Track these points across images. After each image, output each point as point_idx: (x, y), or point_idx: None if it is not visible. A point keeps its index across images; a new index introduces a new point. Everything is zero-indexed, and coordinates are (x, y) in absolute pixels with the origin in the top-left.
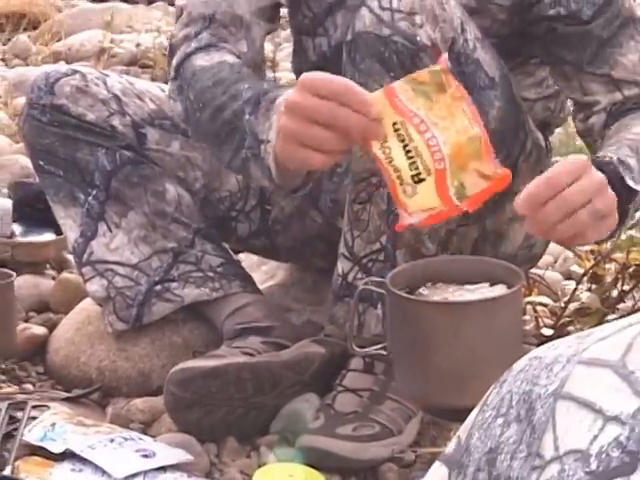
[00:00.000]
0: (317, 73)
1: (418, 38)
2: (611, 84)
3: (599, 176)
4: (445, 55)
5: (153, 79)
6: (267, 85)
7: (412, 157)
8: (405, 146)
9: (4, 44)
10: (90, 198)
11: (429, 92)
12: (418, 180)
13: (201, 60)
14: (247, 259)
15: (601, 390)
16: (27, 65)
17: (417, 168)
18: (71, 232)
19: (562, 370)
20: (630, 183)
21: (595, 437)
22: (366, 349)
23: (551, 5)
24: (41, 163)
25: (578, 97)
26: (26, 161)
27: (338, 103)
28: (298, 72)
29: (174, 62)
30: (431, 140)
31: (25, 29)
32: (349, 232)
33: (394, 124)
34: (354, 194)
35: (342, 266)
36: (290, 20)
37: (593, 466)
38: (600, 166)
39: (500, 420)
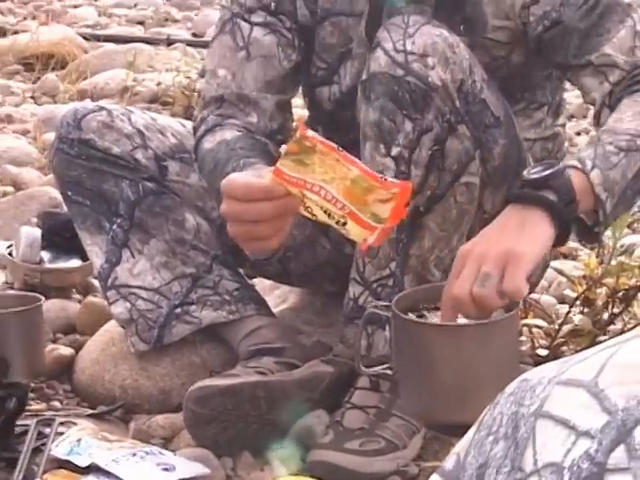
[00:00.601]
0: (227, 182)
1: (430, 79)
2: (597, 73)
3: (479, 247)
4: (302, 123)
5: (173, 115)
6: (234, 170)
7: (325, 211)
8: (316, 206)
9: (34, 82)
10: (115, 226)
11: (303, 159)
12: (343, 223)
13: (207, 143)
14: (261, 284)
15: (574, 408)
16: (55, 102)
17: (334, 217)
18: (97, 258)
19: (543, 391)
20: (535, 175)
21: (568, 451)
22: (373, 368)
23: (537, 23)
24: (69, 194)
25: (587, 99)
26: (54, 192)
27: (250, 200)
28: (316, 126)
29: (193, 145)
30: (327, 195)
31: (53, 68)
32: (360, 258)
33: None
34: None
35: (353, 290)
36: (302, 78)
37: (566, 478)
38: (510, 197)
39: (491, 438)
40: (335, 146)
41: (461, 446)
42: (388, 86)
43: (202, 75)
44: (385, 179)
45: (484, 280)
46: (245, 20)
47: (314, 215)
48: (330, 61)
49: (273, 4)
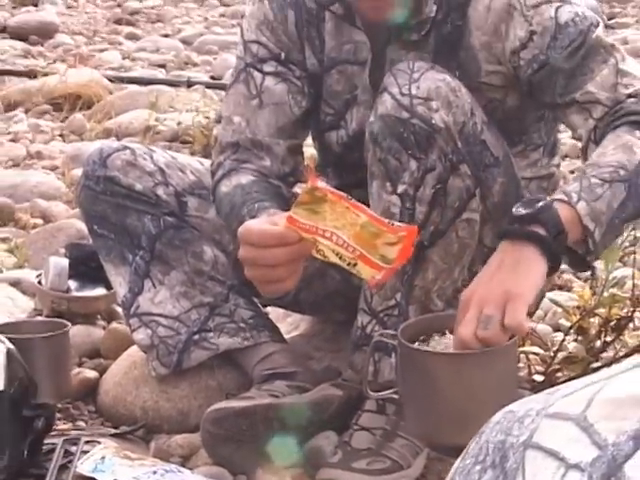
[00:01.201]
0: (244, 229)
1: (433, 121)
2: (582, 110)
3: (477, 294)
4: (312, 174)
5: (192, 153)
6: (249, 213)
7: (337, 254)
8: (328, 249)
9: (62, 121)
10: (137, 258)
11: (315, 208)
12: (354, 265)
13: (224, 187)
14: (274, 312)
15: (564, 441)
16: (82, 140)
17: (345, 260)
18: (120, 288)
19: (532, 422)
20: (522, 210)
21: None
22: (379, 393)
23: (527, 66)
24: (95, 227)
25: (574, 135)
26: (81, 225)
27: (266, 246)
28: (325, 168)
29: (211, 188)
30: (338, 240)
31: (81, 108)
32: (368, 290)
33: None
34: None
35: (361, 319)
36: (312, 123)
37: None
38: (502, 234)
39: (478, 467)
40: (344, 195)
41: (449, 476)
42: (394, 128)
43: (218, 121)
44: (392, 223)
45: (487, 323)
46: (258, 70)
47: (326, 257)
48: (337, 107)
49: (283, 54)
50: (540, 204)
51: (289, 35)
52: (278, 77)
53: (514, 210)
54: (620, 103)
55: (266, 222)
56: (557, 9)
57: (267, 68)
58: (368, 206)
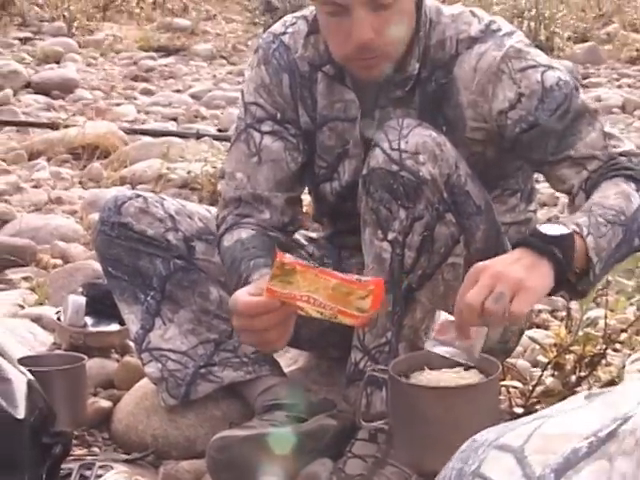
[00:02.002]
0: (232, 301)
1: (421, 173)
2: (576, 164)
3: (495, 267)
4: (278, 253)
5: (200, 199)
6: (245, 271)
7: (318, 312)
8: (310, 309)
9: (81, 170)
10: (149, 298)
11: (288, 278)
12: (335, 317)
13: (226, 241)
14: None
15: (503, 471)
16: (99, 187)
17: (326, 315)
18: (133, 325)
19: (483, 452)
20: (551, 231)
21: None
22: (371, 423)
23: (514, 126)
24: (110, 269)
25: (561, 187)
26: (97, 265)
27: (254, 315)
28: (321, 217)
29: (216, 241)
30: (316, 302)
31: (98, 158)
32: (360, 328)
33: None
34: None
35: (354, 355)
36: (307, 177)
37: None
38: (522, 242)
39: None
40: (311, 264)
41: None
42: (385, 180)
43: (222, 176)
44: (359, 280)
45: (498, 298)
46: (256, 130)
47: (309, 314)
48: (330, 161)
49: (279, 114)
50: (564, 232)
51: (284, 96)
52: (275, 136)
53: (539, 227)
54: (614, 159)
55: (252, 290)
56: (542, 73)
57: (264, 128)
58: (360, 251)
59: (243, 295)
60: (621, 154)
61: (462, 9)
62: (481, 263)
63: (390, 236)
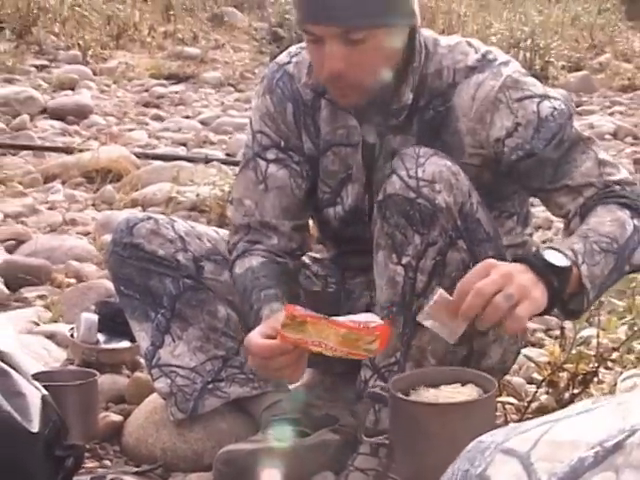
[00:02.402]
0: (247, 344)
1: (437, 201)
2: (572, 192)
3: (506, 268)
4: (288, 306)
5: (209, 221)
6: (256, 302)
7: (330, 353)
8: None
9: (94, 192)
10: (159, 316)
11: (300, 328)
12: (346, 356)
13: (238, 268)
14: None
15: (508, 477)
16: (112, 209)
17: (338, 354)
18: (143, 342)
19: (489, 455)
20: (554, 260)
21: None
22: (373, 438)
23: (511, 152)
24: (122, 288)
25: (558, 212)
26: (110, 285)
27: (268, 358)
28: (324, 240)
29: (229, 267)
30: (327, 346)
31: (111, 181)
32: None
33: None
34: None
35: (364, 373)
36: (311, 202)
37: None
38: (523, 260)
39: None
40: (321, 316)
41: None
42: (402, 206)
43: (230, 202)
44: (367, 326)
45: (508, 298)
46: (262, 158)
47: (321, 354)
48: (333, 186)
49: (283, 142)
50: (565, 265)
51: (287, 124)
52: (280, 164)
53: (542, 252)
54: (609, 187)
55: (265, 330)
56: (538, 104)
57: (270, 156)
58: (364, 271)
59: (256, 337)
60: (616, 182)
61: (459, 40)
62: (492, 260)
63: (404, 260)
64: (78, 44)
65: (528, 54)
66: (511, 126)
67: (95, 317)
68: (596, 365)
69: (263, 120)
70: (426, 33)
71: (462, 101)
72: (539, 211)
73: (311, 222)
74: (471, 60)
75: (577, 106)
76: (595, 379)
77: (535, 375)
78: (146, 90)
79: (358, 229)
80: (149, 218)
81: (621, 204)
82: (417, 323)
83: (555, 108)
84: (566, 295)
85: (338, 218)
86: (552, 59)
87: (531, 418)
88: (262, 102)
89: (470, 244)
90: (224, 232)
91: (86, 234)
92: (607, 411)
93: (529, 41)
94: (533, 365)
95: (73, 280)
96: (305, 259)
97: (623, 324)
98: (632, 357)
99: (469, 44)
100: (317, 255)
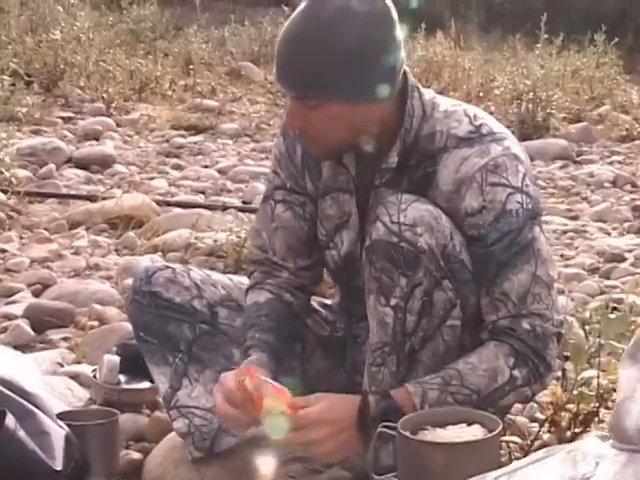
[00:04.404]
0: (224, 378)
1: (419, 244)
2: (492, 304)
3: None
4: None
5: (226, 266)
6: (249, 340)
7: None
8: None
9: (117, 238)
10: (177, 360)
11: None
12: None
13: (248, 299)
14: None
15: None
16: (134, 255)
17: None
18: (162, 385)
19: None
20: (372, 402)
21: None
22: (382, 475)
23: (468, 229)
24: (141, 334)
25: (483, 315)
26: (130, 328)
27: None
28: (333, 280)
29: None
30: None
31: (133, 228)
32: (368, 387)
33: None
34: (372, 359)
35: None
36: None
37: None
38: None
39: None
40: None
41: None
42: (386, 250)
43: (252, 231)
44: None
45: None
46: (273, 197)
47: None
48: (328, 230)
49: (289, 183)
50: (387, 413)
51: (296, 166)
52: (285, 205)
53: (371, 398)
54: (519, 318)
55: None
56: (508, 195)
57: (277, 196)
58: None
59: (230, 380)
60: (530, 314)
61: (457, 108)
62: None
63: (392, 302)
64: (102, 97)
65: (530, 106)
66: (477, 207)
67: (117, 359)
68: (597, 405)
69: (277, 160)
70: (427, 96)
71: (446, 171)
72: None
73: None
74: (463, 131)
75: (578, 155)
76: (596, 419)
77: (538, 414)
78: (167, 141)
79: (350, 275)
80: (166, 267)
81: (513, 349)
82: (410, 360)
83: (522, 206)
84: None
85: (333, 262)
86: (553, 111)
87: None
88: (277, 143)
89: (455, 284)
90: (238, 279)
91: (109, 278)
92: (558, 460)
93: (531, 94)
94: (536, 405)
95: (96, 323)
96: (315, 305)
97: None
98: None
99: (466, 113)
100: (327, 301)
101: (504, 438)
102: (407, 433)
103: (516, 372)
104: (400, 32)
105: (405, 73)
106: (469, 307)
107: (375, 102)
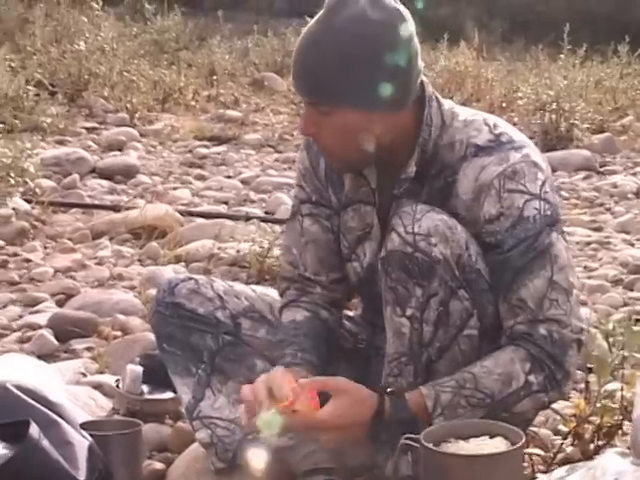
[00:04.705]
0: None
1: (433, 254)
2: (510, 311)
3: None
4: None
5: (248, 277)
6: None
7: None
8: None
9: (140, 248)
10: (200, 371)
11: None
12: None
13: (284, 316)
14: None
15: None
16: (157, 265)
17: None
18: (185, 395)
19: None
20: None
21: None
22: None
23: (486, 235)
24: (164, 345)
25: (502, 321)
26: (154, 338)
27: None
28: (358, 294)
29: (278, 310)
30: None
31: (156, 238)
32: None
33: None
34: (389, 369)
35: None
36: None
37: None
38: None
39: None
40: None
41: None
42: (401, 261)
43: (281, 248)
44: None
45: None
46: (300, 212)
47: None
48: (350, 241)
49: (314, 197)
50: (401, 416)
51: (319, 179)
52: (312, 218)
53: (388, 383)
54: (536, 324)
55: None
56: (525, 202)
57: (304, 210)
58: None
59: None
60: (546, 320)
61: (476, 117)
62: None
63: (408, 312)
64: (126, 107)
65: (554, 117)
66: (494, 214)
67: (140, 369)
68: (620, 418)
69: (302, 174)
70: (446, 105)
71: (466, 180)
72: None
73: None
74: (482, 140)
75: (601, 166)
76: (619, 431)
77: (561, 427)
78: (190, 151)
79: (373, 287)
80: (189, 279)
81: (530, 355)
82: (428, 371)
83: (539, 212)
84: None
85: (356, 274)
86: (577, 121)
87: (557, 469)
88: (301, 158)
89: (471, 293)
90: (261, 290)
91: (132, 288)
92: (579, 477)
93: (554, 104)
94: (559, 417)
95: (119, 333)
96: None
97: None
98: None
99: (485, 122)
100: (350, 313)
101: (527, 451)
102: (430, 445)
103: (532, 377)
104: (417, 42)
105: (423, 83)
106: (487, 316)
107: (389, 111)
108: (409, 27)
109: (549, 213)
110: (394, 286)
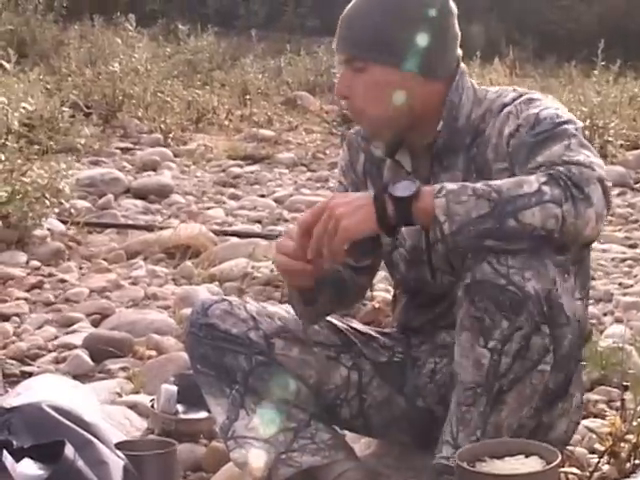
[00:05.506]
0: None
1: (526, 289)
2: (527, 173)
3: (334, 201)
4: None
5: (282, 296)
6: None
7: None
8: None
9: (174, 268)
10: (234, 391)
11: None
12: None
13: None
14: (349, 435)
15: None
16: (191, 284)
17: None
18: (219, 416)
19: None
20: (393, 190)
21: None
22: None
23: (512, 148)
24: (198, 366)
25: None
26: (188, 357)
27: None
28: (398, 286)
29: None
30: None
31: (190, 257)
32: (455, 426)
33: None
34: (463, 398)
35: (446, 451)
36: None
37: None
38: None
39: None
40: None
41: None
42: (491, 292)
43: None
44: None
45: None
46: None
47: None
48: None
49: (351, 189)
50: (405, 194)
51: (357, 174)
52: None
53: (392, 186)
54: (555, 166)
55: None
56: (541, 110)
57: None
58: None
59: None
60: (566, 162)
61: (507, 88)
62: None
63: (491, 344)
64: (160, 128)
65: (587, 133)
66: (514, 128)
67: (174, 388)
68: None
69: (343, 170)
70: (477, 86)
71: (494, 130)
72: (599, 284)
73: (379, 294)
74: (508, 98)
75: (635, 182)
76: None
77: (597, 446)
78: (223, 170)
79: (420, 270)
80: (223, 300)
81: (548, 174)
82: (496, 401)
83: (557, 115)
84: (393, 220)
85: (402, 259)
86: (610, 138)
87: None
88: (342, 155)
89: (552, 329)
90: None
91: (166, 308)
92: None
93: (588, 121)
94: (595, 436)
95: (154, 352)
96: (372, 332)
97: None
98: None
99: (514, 89)
100: (385, 330)
101: (563, 470)
102: (465, 464)
103: (546, 187)
104: (454, 13)
105: (459, 62)
106: (560, 350)
107: (421, 73)
108: (453, 7)
109: (569, 118)
110: (480, 316)
